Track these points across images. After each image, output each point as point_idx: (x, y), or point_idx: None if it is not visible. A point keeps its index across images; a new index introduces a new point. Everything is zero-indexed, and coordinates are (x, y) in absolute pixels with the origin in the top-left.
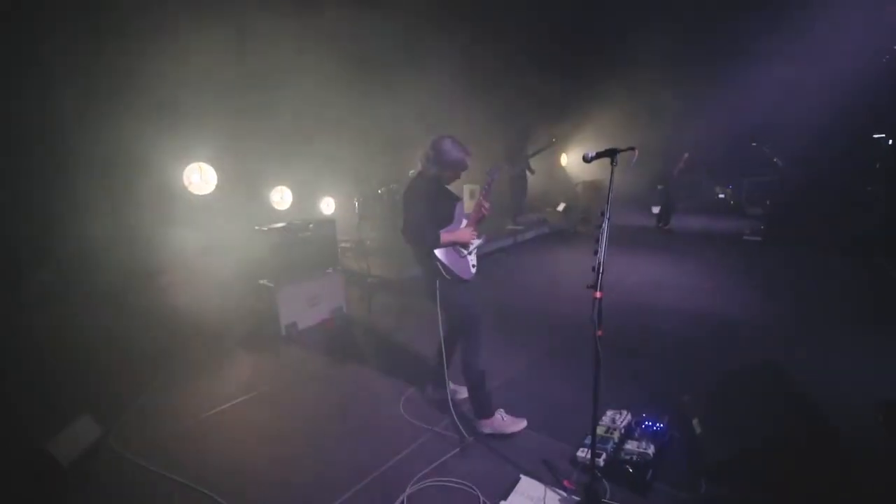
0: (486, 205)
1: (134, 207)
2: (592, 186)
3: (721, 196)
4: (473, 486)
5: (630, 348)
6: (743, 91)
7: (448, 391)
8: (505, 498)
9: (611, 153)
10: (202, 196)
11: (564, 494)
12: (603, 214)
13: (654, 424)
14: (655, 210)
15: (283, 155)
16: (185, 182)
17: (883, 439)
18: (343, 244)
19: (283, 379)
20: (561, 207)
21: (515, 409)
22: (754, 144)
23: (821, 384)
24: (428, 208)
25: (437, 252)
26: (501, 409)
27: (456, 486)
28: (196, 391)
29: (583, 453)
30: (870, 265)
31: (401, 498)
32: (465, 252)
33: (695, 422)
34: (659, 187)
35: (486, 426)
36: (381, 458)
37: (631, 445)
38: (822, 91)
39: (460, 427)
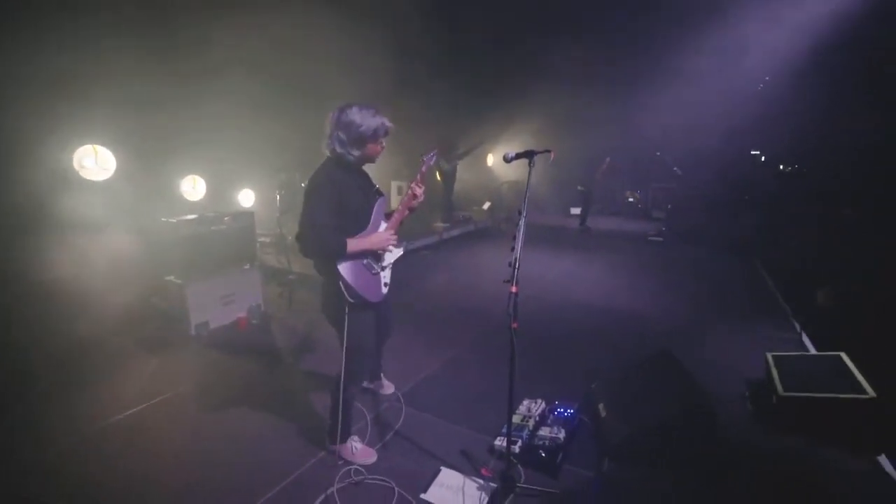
0: (419, 191)
1: (12, 197)
2: (516, 186)
3: (631, 200)
4: (392, 482)
5: (546, 340)
6: (651, 106)
7: (377, 384)
8: (425, 491)
9: (529, 154)
10: (98, 182)
11: (482, 482)
12: (520, 213)
13: (565, 411)
14: (575, 210)
15: (197, 141)
16: (76, 166)
17: (749, 413)
18: (262, 239)
19: (193, 381)
20: (486, 206)
21: (436, 404)
22: (658, 154)
23: (706, 368)
24: (331, 204)
25: (341, 267)
26: (356, 438)
27: (377, 483)
28: (89, 400)
29: (500, 442)
30: (747, 263)
31: (321, 497)
32: (378, 267)
33: (600, 406)
34: (580, 188)
35: (334, 451)
36: (300, 459)
37: (544, 431)
38: (713, 111)
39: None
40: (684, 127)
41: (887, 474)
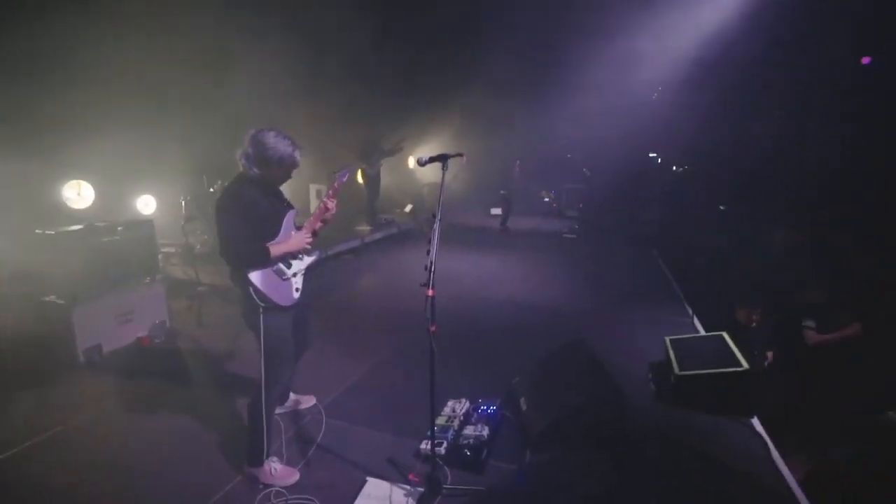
0: (332, 204)
1: None
2: (437, 189)
3: (546, 200)
4: (316, 499)
5: (469, 339)
6: (562, 113)
7: (290, 402)
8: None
9: (442, 158)
10: None
11: (410, 488)
12: (434, 216)
13: (488, 408)
14: (495, 211)
15: (81, 141)
16: None
17: (652, 393)
18: (166, 249)
19: (86, 412)
20: (408, 209)
21: (360, 413)
22: (569, 156)
23: (616, 353)
24: (240, 217)
25: (252, 275)
26: (274, 458)
27: (300, 502)
28: None
29: (425, 445)
30: (647, 255)
31: None
32: (289, 273)
33: (521, 400)
34: (502, 192)
35: (253, 474)
36: (217, 482)
37: (469, 430)
38: (616, 118)
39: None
40: (590, 132)
41: (759, 434)
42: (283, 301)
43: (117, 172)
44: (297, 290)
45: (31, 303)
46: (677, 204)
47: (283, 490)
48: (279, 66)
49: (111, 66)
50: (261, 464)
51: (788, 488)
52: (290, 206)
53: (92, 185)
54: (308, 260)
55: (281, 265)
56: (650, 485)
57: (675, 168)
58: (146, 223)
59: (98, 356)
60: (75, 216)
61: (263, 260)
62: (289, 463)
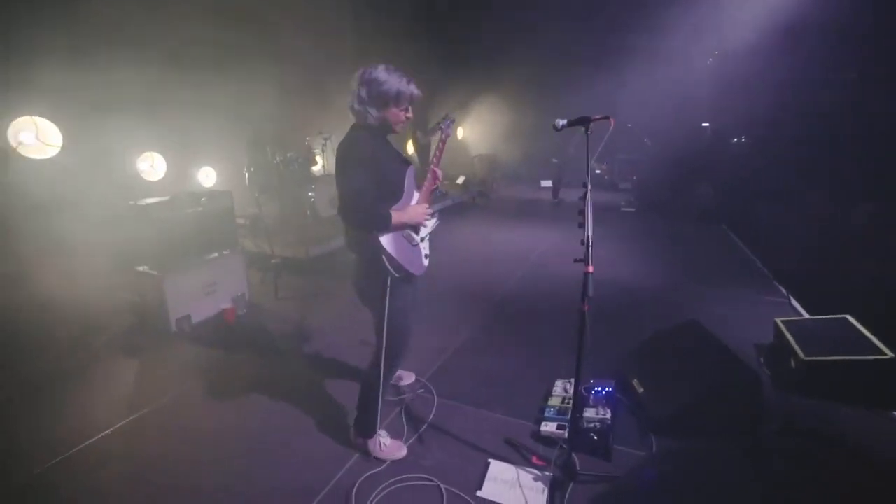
0: (440, 173)
1: None
2: (487, 160)
3: (598, 171)
4: (438, 480)
5: (551, 317)
6: (617, 80)
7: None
8: (480, 487)
9: (583, 121)
10: (41, 161)
11: (538, 472)
12: (585, 185)
13: (602, 389)
14: (545, 184)
15: (151, 113)
16: (13, 142)
17: (768, 378)
18: (237, 221)
19: (183, 385)
20: (461, 180)
21: (463, 391)
22: (629, 126)
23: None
24: (369, 173)
25: (384, 240)
26: (383, 432)
27: (424, 483)
28: (61, 418)
29: (546, 427)
30: (716, 230)
31: None
32: (418, 238)
33: (635, 382)
34: (554, 161)
35: (362, 445)
36: (325, 471)
37: (590, 413)
38: (675, 84)
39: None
40: (649, 100)
41: None
42: (416, 270)
43: (183, 144)
44: (426, 256)
45: (125, 273)
46: (739, 178)
47: (403, 471)
48: (326, 32)
49: (174, 33)
50: (371, 435)
51: None
52: (408, 162)
53: (164, 157)
54: (433, 224)
55: (410, 231)
56: (786, 478)
57: (734, 139)
58: (225, 194)
59: (188, 326)
60: (150, 188)
61: (386, 227)
62: (398, 438)
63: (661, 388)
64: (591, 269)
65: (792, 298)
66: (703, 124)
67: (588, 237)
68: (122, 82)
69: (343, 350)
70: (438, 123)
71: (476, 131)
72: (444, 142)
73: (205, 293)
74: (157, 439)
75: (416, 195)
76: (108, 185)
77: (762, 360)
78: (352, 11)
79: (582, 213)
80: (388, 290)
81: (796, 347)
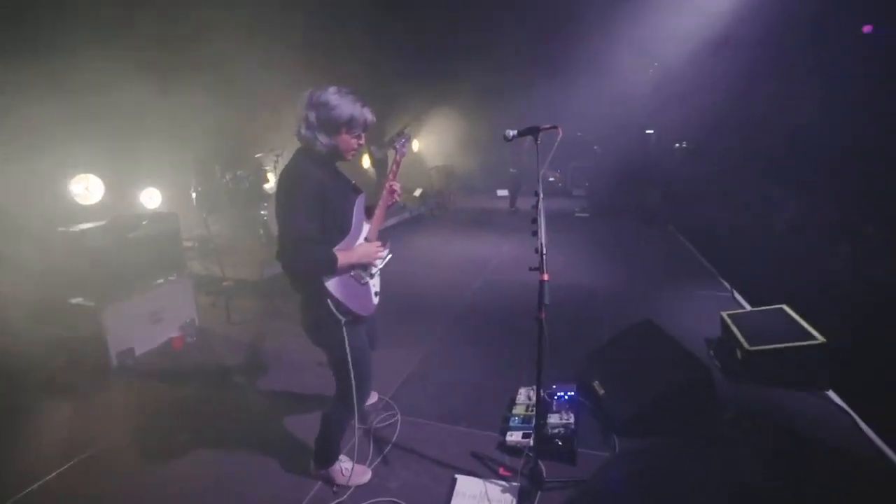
0: (397, 186)
1: None
2: (444, 171)
3: (551, 179)
4: (405, 503)
5: (512, 325)
6: (568, 91)
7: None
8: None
9: (532, 131)
10: None
11: (505, 483)
12: (536, 194)
13: (565, 394)
14: (501, 193)
15: (84, 133)
16: None
17: (717, 370)
18: (185, 244)
19: (127, 424)
20: (418, 193)
21: (427, 406)
22: (579, 134)
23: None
24: (312, 209)
25: (330, 284)
26: (344, 457)
27: None
28: None
29: (512, 437)
30: (664, 231)
31: None
32: (367, 276)
33: (595, 384)
34: (512, 171)
35: (324, 476)
36: (295, 494)
37: (554, 419)
38: (618, 95)
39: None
40: (596, 110)
41: (841, 407)
42: (365, 310)
43: (122, 165)
44: (376, 293)
45: (57, 306)
46: (682, 181)
47: (368, 495)
48: (281, 49)
49: (112, 50)
50: (332, 464)
51: (882, 454)
52: (358, 190)
53: (101, 179)
54: (386, 255)
55: (358, 270)
56: (746, 463)
57: (676, 145)
58: (170, 216)
59: (131, 360)
60: (86, 213)
61: (331, 271)
62: (362, 462)
63: (621, 388)
64: (546, 276)
65: (735, 292)
66: (648, 131)
67: (542, 245)
68: (51, 101)
69: (301, 374)
70: (393, 140)
71: (432, 143)
72: (398, 161)
73: (150, 322)
74: (95, 490)
75: (366, 227)
76: (36, 211)
77: (712, 353)
78: (303, 24)
79: (535, 221)
80: (345, 332)
81: (741, 339)
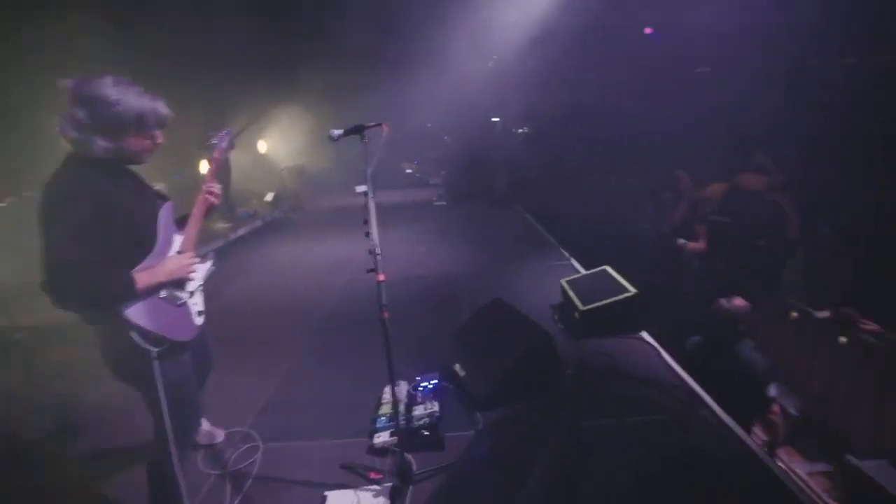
0: (217, 189)
1: None
2: (297, 171)
3: (409, 171)
4: None
5: (376, 322)
6: (414, 83)
7: (203, 434)
8: None
9: (357, 130)
10: None
11: (377, 487)
12: (366, 194)
13: (429, 383)
14: (360, 189)
15: None
16: None
17: (560, 331)
18: None
19: None
20: (269, 197)
21: (291, 427)
22: (429, 125)
23: (519, 303)
24: (87, 227)
25: (131, 312)
26: None
27: None
28: None
29: (379, 438)
30: (514, 212)
31: None
32: (184, 295)
33: (457, 367)
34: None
35: None
36: None
37: (419, 410)
38: (465, 85)
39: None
40: (444, 100)
41: (650, 343)
42: (185, 334)
43: None
44: (199, 313)
45: None
46: (525, 164)
47: None
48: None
49: None
50: None
51: (680, 378)
52: (162, 197)
53: None
54: (205, 270)
55: (171, 289)
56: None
57: (518, 130)
58: None
59: None
60: None
61: (126, 296)
62: None
63: (479, 367)
64: (382, 277)
65: (573, 259)
66: (493, 119)
67: (375, 246)
68: None
69: (129, 431)
70: (210, 137)
71: (281, 142)
72: (216, 160)
73: None
74: None
75: (178, 239)
76: None
77: (556, 317)
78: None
79: (367, 221)
80: (156, 367)
81: (576, 301)
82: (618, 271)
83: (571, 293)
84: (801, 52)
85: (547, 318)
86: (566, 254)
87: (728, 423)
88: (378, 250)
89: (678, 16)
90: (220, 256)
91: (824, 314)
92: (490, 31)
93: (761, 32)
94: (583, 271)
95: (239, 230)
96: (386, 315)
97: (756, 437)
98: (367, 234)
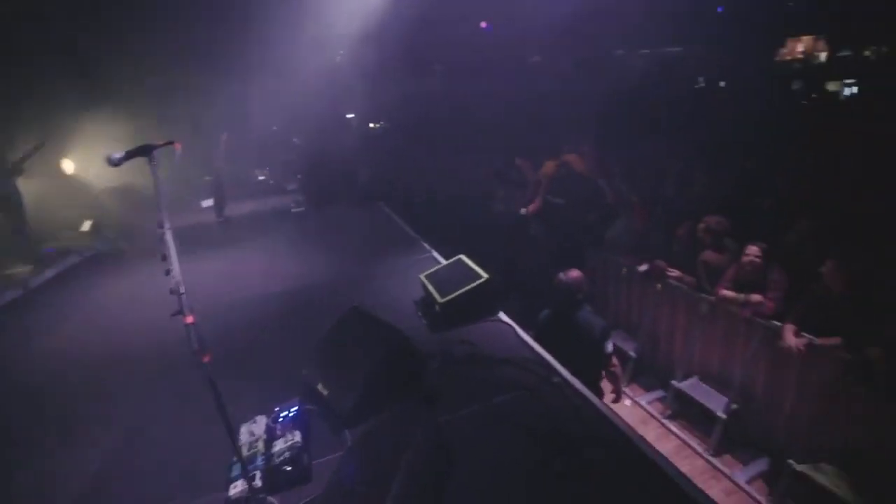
0: None
1: None
2: (121, 192)
3: (262, 178)
4: None
5: (236, 354)
6: (257, 87)
7: None
8: None
9: (144, 151)
10: None
11: None
12: (161, 226)
13: (288, 412)
14: (206, 203)
15: None
16: None
17: (425, 326)
18: None
19: None
20: (87, 226)
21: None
22: (274, 129)
23: (386, 305)
24: None
25: None
26: None
27: None
28: None
29: (234, 489)
30: (377, 209)
31: None
32: None
33: (319, 387)
34: (206, 178)
35: None
36: None
37: (279, 445)
38: (312, 84)
39: None
40: (292, 101)
41: (507, 323)
42: None
43: None
44: None
45: None
46: (384, 158)
47: None
48: None
49: None
50: None
51: (535, 352)
52: None
53: None
54: None
55: None
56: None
57: (372, 125)
58: None
59: None
60: None
61: None
62: None
63: (341, 382)
64: (190, 319)
65: (433, 251)
66: (348, 115)
67: (178, 284)
68: None
69: None
70: None
71: (94, 159)
72: None
73: None
74: None
75: None
76: None
77: (420, 313)
78: None
79: (165, 257)
80: None
81: (435, 294)
82: (473, 257)
83: (430, 287)
84: (609, 43)
85: (412, 314)
86: (427, 246)
87: (576, 386)
88: (182, 289)
89: (509, 8)
90: (15, 311)
91: (643, 268)
92: (328, 26)
93: (579, 25)
94: (443, 262)
95: (46, 272)
96: (206, 359)
97: (605, 389)
98: (168, 272)
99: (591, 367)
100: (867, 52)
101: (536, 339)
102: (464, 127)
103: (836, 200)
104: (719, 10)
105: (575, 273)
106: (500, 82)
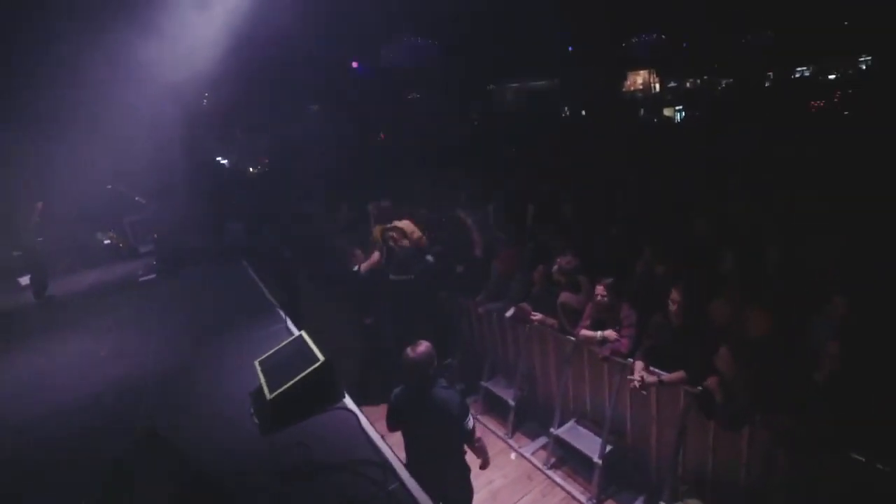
0: None
1: None
2: None
3: (107, 242)
4: None
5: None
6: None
7: None
8: None
9: None
10: None
11: None
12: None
13: None
14: (24, 281)
15: None
16: None
17: (257, 426)
18: None
19: None
20: None
21: None
22: (109, 187)
23: (217, 399)
24: None
25: None
26: None
27: None
28: None
29: None
30: (237, 268)
31: None
32: None
33: None
34: (15, 254)
35: None
36: None
37: None
38: (164, 129)
39: None
40: (132, 153)
41: (350, 410)
42: None
43: None
44: None
45: None
46: (261, 208)
47: None
48: None
49: None
50: None
51: (376, 447)
52: None
53: None
54: None
55: None
56: None
57: (251, 169)
58: None
59: None
60: None
61: None
62: None
63: None
64: None
65: (288, 321)
66: (220, 160)
67: None
68: None
69: None
70: None
71: None
72: None
73: None
74: None
75: None
76: None
77: (252, 410)
78: None
79: None
80: None
81: (265, 387)
82: (334, 322)
83: (262, 378)
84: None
85: (243, 413)
86: (283, 314)
87: (414, 493)
88: None
89: (376, 49)
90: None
91: (510, 313)
92: (169, 66)
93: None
94: (293, 334)
95: None
96: None
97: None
98: None
99: (453, 446)
100: (688, 84)
101: (390, 419)
102: (334, 169)
103: (675, 221)
104: (570, 49)
105: (422, 347)
106: (380, 120)
